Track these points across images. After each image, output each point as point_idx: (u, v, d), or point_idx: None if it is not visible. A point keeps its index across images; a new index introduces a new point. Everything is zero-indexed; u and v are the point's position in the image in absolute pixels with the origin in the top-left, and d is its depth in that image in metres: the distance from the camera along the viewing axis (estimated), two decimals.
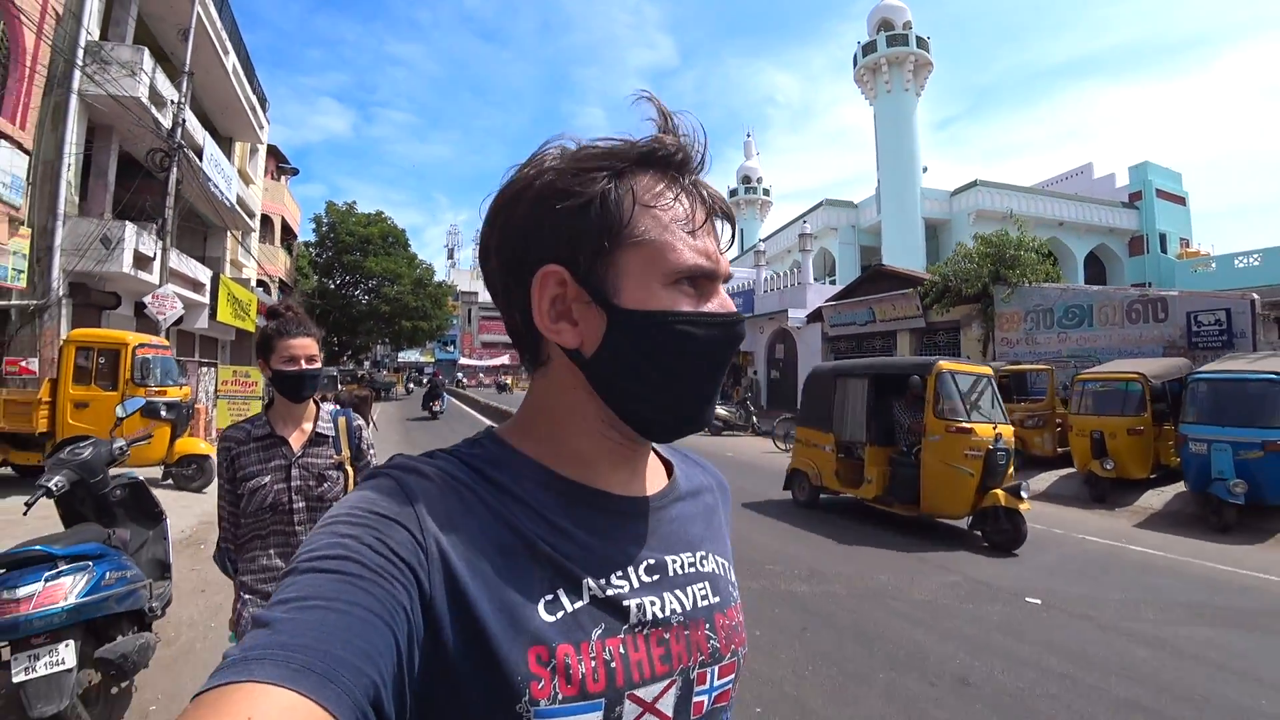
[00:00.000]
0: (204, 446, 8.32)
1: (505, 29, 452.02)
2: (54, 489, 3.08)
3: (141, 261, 11.20)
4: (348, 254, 31.63)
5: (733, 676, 0.63)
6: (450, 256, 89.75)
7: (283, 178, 28.16)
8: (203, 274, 15.00)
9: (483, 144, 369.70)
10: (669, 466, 0.72)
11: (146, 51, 11.27)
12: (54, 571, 2.68)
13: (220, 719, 0.36)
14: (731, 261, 0.63)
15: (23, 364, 9.37)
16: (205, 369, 12.28)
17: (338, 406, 2.31)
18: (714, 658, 0.61)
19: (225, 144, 18.51)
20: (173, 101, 11.91)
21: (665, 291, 0.56)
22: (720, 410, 16.61)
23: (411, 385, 39.38)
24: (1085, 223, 31.80)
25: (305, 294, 30.74)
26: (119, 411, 3.75)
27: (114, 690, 3.12)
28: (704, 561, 0.65)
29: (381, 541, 0.49)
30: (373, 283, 32.48)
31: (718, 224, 0.61)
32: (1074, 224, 31.65)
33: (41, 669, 2.57)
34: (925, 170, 33.10)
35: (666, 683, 0.56)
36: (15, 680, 2.53)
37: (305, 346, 2.03)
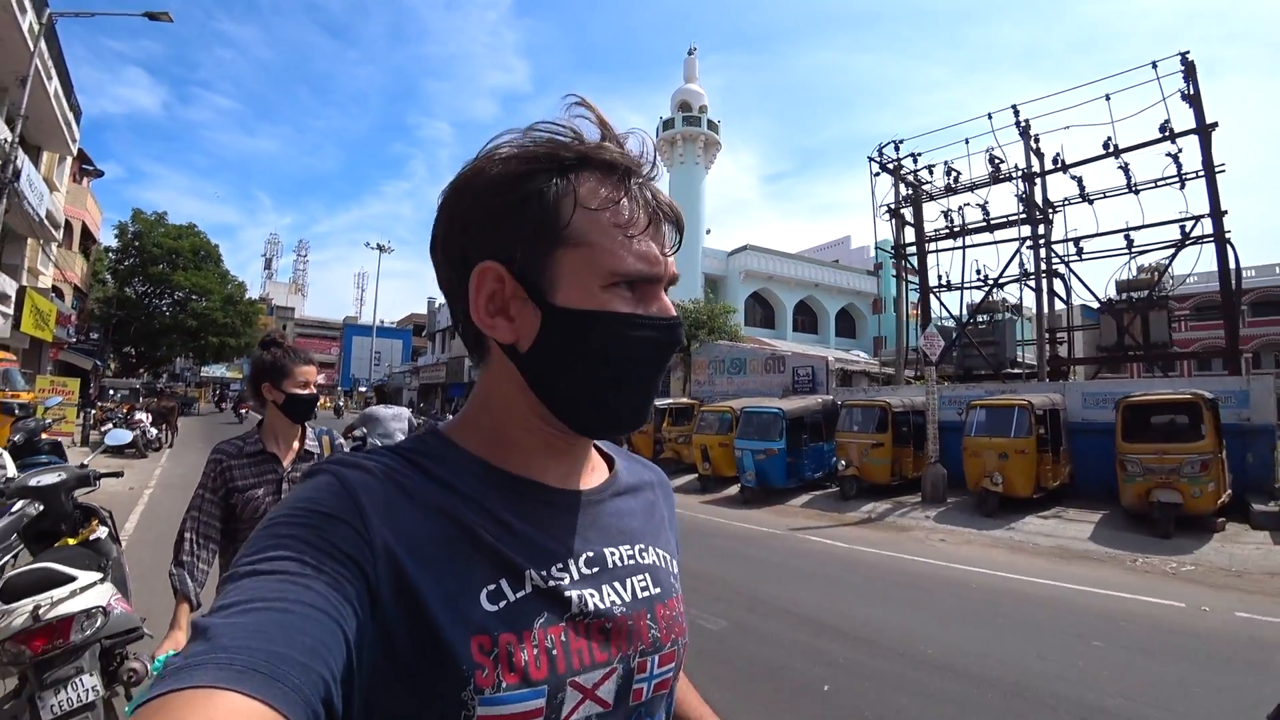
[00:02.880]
0: None
1: (354, 27, 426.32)
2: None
3: None
4: (153, 265, 30.99)
5: (673, 665, 0.65)
6: (268, 266, 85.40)
7: (85, 180, 27.78)
8: (9, 286, 16.17)
9: (318, 145, 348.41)
10: (610, 462, 0.73)
11: None
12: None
13: None
14: None
15: None
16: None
17: (319, 427, 2.37)
18: (654, 647, 0.62)
19: (33, 152, 19.04)
20: (4, 140, 13.62)
21: (602, 293, 0.57)
22: None
23: (224, 403, 38.02)
24: (838, 285, 38.49)
25: (100, 301, 29.84)
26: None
27: None
28: (644, 554, 0.67)
29: (324, 539, 0.49)
30: (179, 295, 31.87)
31: (666, 229, 0.61)
32: (828, 286, 38.16)
33: None
34: (709, 232, 38.70)
35: (606, 670, 0.58)
36: None
37: (311, 373, 2.16)
